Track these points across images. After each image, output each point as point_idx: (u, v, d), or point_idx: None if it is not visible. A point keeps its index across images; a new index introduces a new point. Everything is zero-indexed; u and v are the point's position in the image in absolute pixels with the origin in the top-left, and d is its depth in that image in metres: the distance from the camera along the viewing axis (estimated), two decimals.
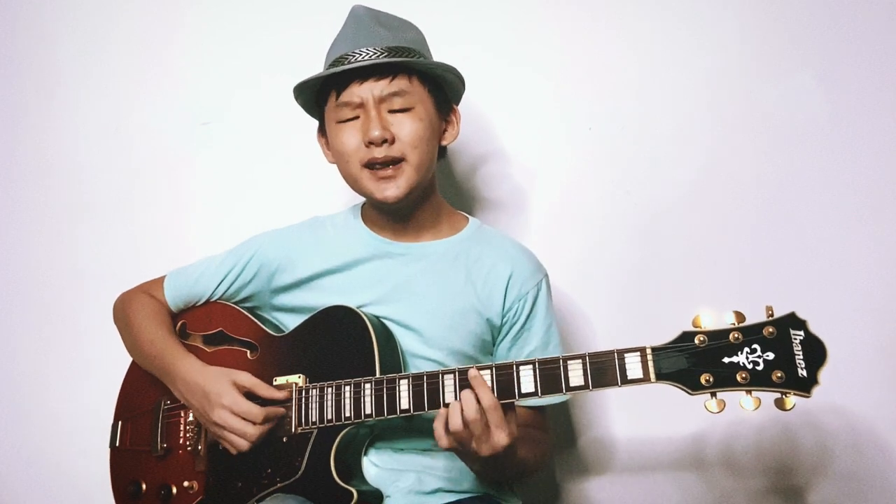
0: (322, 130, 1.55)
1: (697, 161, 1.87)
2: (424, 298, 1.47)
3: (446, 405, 1.27)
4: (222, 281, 1.56)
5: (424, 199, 1.52)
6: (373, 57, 1.41)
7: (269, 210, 1.84)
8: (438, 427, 1.25)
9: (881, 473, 1.77)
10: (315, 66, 1.96)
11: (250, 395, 1.39)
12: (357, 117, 1.44)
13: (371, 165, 1.43)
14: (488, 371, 1.26)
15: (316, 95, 1.51)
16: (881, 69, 1.83)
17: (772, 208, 1.84)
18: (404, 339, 1.45)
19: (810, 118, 1.84)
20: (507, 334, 1.51)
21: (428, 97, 1.47)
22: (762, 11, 1.88)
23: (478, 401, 1.22)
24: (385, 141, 1.41)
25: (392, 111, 1.43)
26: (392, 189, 1.43)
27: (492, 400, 1.22)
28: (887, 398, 1.76)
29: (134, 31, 2.11)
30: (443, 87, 1.51)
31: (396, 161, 1.43)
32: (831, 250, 1.81)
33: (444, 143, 1.53)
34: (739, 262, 1.84)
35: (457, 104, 1.56)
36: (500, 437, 1.22)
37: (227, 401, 1.37)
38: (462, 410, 1.22)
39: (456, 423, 1.22)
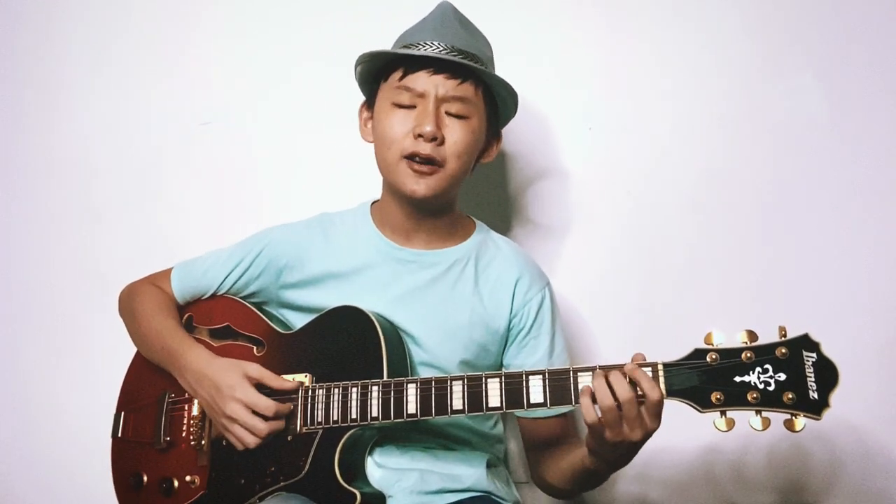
0: (367, 105, 1.52)
1: (697, 162, 1.87)
2: (429, 309, 1.46)
3: (454, 412, 1.27)
4: (230, 274, 1.55)
5: (443, 208, 1.51)
6: (451, 54, 1.39)
7: (273, 208, 1.84)
8: (586, 402, 1.19)
9: (892, 489, 1.78)
10: (318, 65, 1.97)
11: (259, 387, 1.38)
12: (413, 106, 1.41)
13: (412, 157, 1.41)
14: (497, 379, 1.26)
15: (376, 71, 1.49)
16: (882, 69, 1.83)
17: (772, 208, 1.84)
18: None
19: (811, 119, 1.84)
20: (513, 341, 1.51)
21: (484, 112, 1.46)
22: (763, 12, 1.87)
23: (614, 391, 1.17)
24: (434, 139, 1.39)
25: (448, 113, 1.41)
26: (422, 186, 1.41)
27: (656, 388, 1.17)
28: None
29: (136, 31, 2.09)
30: (497, 108, 1.50)
31: (436, 163, 1.41)
32: (832, 251, 1.81)
33: (481, 160, 1.52)
34: (740, 263, 1.84)
35: (503, 125, 1.56)
36: (652, 422, 1.19)
37: (239, 394, 1.36)
38: (614, 390, 1.16)
39: (608, 401, 1.16)
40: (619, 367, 1.20)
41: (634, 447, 1.21)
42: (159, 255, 1.70)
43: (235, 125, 2.02)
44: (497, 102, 1.49)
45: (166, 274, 1.60)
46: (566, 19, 1.93)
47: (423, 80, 1.41)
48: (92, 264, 2.05)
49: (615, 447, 1.21)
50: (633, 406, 1.17)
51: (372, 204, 1.58)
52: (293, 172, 1.99)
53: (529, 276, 1.52)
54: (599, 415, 1.19)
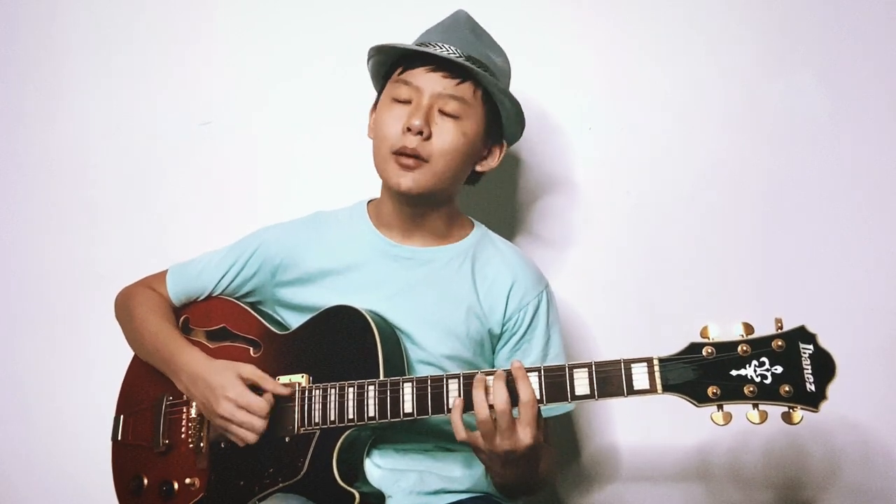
0: (376, 103, 1.53)
1: (697, 161, 1.86)
2: (425, 305, 1.46)
3: (450, 410, 1.26)
4: (224, 275, 1.55)
5: (439, 207, 1.50)
6: (453, 55, 1.41)
7: (272, 208, 1.83)
8: (456, 417, 1.23)
9: (891, 487, 1.76)
10: (319, 66, 1.98)
11: (254, 388, 1.38)
12: (409, 102, 1.42)
13: (400, 153, 1.41)
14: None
15: (387, 69, 1.50)
16: (882, 69, 1.82)
17: (772, 208, 1.84)
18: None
19: (810, 118, 1.83)
20: (506, 343, 1.50)
21: (482, 117, 1.46)
22: (763, 11, 1.87)
23: (509, 394, 1.20)
24: (421, 133, 1.39)
25: (442, 112, 1.42)
26: (407, 180, 1.41)
27: (531, 395, 1.21)
28: None
29: (135, 31, 2.10)
30: (500, 117, 1.50)
31: (420, 157, 1.41)
32: (832, 250, 1.81)
33: (478, 168, 1.52)
34: (740, 262, 1.83)
35: (510, 144, 1.55)
36: (525, 435, 1.21)
37: (231, 393, 1.36)
38: (491, 400, 1.20)
39: (483, 413, 1.20)
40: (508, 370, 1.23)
41: (507, 459, 1.24)
42: (158, 255, 1.71)
43: (235, 125, 2.03)
44: (500, 111, 1.49)
45: (161, 276, 1.60)
46: (566, 19, 1.93)
47: (420, 76, 1.42)
48: (91, 265, 2.05)
49: (486, 453, 1.25)
50: (505, 418, 1.19)
51: (369, 202, 1.58)
52: (293, 172, 1.99)
53: (525, 281, 1.51)
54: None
